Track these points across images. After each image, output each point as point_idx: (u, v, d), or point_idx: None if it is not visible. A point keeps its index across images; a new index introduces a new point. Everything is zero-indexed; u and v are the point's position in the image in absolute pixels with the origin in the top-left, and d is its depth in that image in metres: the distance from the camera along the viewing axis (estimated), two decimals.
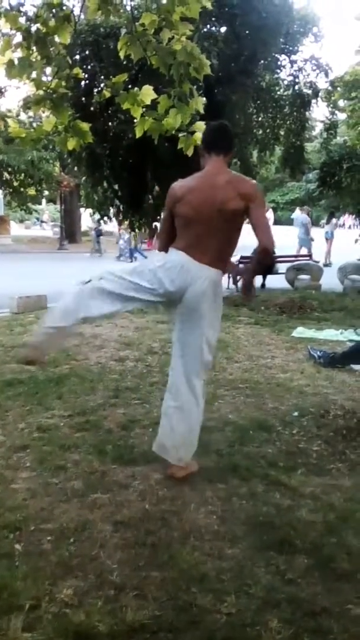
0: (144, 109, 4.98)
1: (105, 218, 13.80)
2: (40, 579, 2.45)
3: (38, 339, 3.55)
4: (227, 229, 3.33)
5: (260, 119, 13.96)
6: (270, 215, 40.72)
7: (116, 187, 12.72)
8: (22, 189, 29.02)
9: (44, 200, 40.20)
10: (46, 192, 31.65)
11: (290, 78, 13.39)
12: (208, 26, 10.73)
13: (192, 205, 3.31)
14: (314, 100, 13.64)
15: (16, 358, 3.51)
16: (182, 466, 3.48)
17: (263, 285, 14.60)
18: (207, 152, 3.49)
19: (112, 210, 13.60)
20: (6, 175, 27.91)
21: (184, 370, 3.44)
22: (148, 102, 4.94)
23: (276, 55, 12.47)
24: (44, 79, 5.05)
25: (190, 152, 4.99)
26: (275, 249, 3.29)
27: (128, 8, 5.51)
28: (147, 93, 4.90)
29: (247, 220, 3.34)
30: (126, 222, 14.21)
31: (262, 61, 11.91)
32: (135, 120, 5.10)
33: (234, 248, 3.50)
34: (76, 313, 3.32)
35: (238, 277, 3.87)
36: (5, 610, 2.24)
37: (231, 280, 14.13)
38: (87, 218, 29.90)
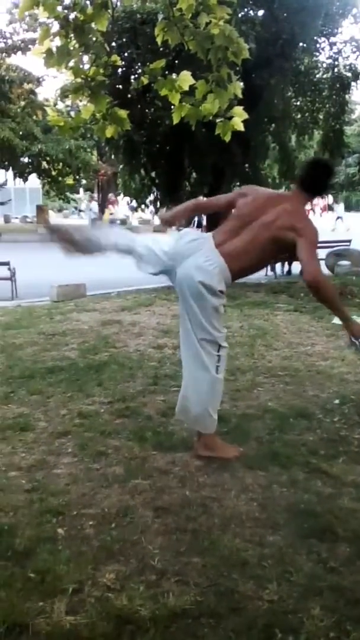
0: (181, 95, 4.95)
1: (143, 205, 13.83)
2: (83, 563, 2.48)
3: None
4: (262, 245, 3.37)
5: (298, 102, 13.79)
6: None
7: (153, 174, 12.73)
8: (60, 178, 29.29)
9: (81, 190, 40.47)
10: (84, 181, 31.82)
11: (330, 60, 13.19)
12: (246, 9, 10.61)
13: (247, 202, 3.41)
14: (353, 83, 13.41)
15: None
16: (204, 445, 3.54)
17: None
18: (310, 194, 3.57)
19: (149, 198, 13.62)
20: (44, 164, 28.20)
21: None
22: (186, 88, 4.90)
23: (315, 37, 12.28)
24: (81, 67, 5.06)
25: (227, 138, 4.94)
26: (318, 280, 3.33)
27: None
28: (185, 79, 4.87)
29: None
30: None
31: (300, 44, 11.74)
32: (172, 107, 5.06)
33: (258, 265, 3.57)
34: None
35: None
36: (49, 594, 2.28)
37: (269, 266, 14.08)
38: (124, 205, 30.03)
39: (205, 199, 3.62)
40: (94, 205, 24.77)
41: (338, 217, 33.01)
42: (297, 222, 3.34)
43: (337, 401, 4.56)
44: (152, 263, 3.48)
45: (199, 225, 25.60)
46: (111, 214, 22.20)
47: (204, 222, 22.85)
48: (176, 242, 3.43)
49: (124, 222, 25.71)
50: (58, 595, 2.26)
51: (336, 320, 7.64)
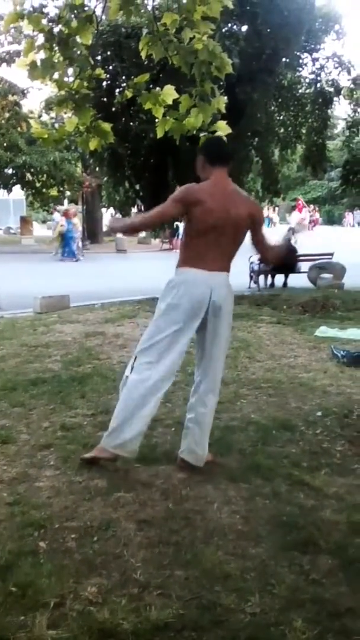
0: (165, 109, 4.98)
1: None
2: (65, 576, 2.47)
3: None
4: (235, 242, 3.51)
5: (281, 117, 13.91)
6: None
7: (137, 187, 12.76)
8: (44, 190, 29.26)
9: (65, 201, 40.49)
10: (68, 193, 31.81)
11: (312, 76, 13.34)
12: (229, 25, 10.71)
13: (212, 213, 3.38)
14: (336, 98, 13.56)
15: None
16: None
17: (285, 284, 14.55)
18: (211, 164, 3.58)
19: (133, 210, 13.66)
20: (28, 176, 28.18)
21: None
22: (170, 102, 4.93)
23: (298, 53, 12.42)
24: (66, 79, 5.07)
25: None
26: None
27: (149, 8, 5.50)
28: (169, 93, 4.90)
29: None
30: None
31: (283, 59, 11.86)
32: (156, 120, 5.09)
33: (232, 254, 3.59)
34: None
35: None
36: (30, 607, 2.26)
37: (252, 278, 14.14)
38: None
39: (154, 212, 3.56)
40: (57, 216, 24.53)
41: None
42: (250, 209, 3.52)
43: (319, 413, 4.58)
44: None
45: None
46: (62, 225, 20.75)
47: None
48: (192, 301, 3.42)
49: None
50: (39, 609, 2.25)
51: (318, 333, 7.70)
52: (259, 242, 3.62)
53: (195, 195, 3.42)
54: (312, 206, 34.57)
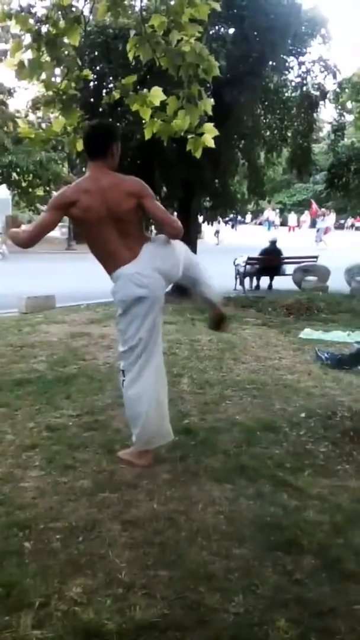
0: (152, 111, 4.99)
1: None
2: (50, 577, 2.47)
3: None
4: (130, 220, 3.47)
5: (267, 120, 13.93)
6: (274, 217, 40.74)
7: None
8: (30, 190, 29.10)
9: None
10: (54, 193, 31.71)
11: (298, 79, 13.36)
12: (217, 27, 10.73)
13: (90, 209, 3.39)
14: (321, 102, 13.59)
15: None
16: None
17: (270, 286, 14.60)
18: (88, 159, 3.60)
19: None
20: (15, 175, 28.01)
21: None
22: (157, 104, 4.94)
23: (284, 56, 12.44)
24: (53, 80, 5.07)
25: (198, 154, 4.99)
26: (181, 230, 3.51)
27: (137, 9, 5.51)
28: (156, 94, 4.91)
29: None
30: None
31: (270, 62, 11.88)
32: (143, 122, 5.10)
33: (139, 232, 3.60)
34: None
35: None
36: (15, 608, 2.26)
37: (238, 280, 14.18)
38: None
39: (37, 223, 3.53)
40: None
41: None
42: (126, 187, 3.46)
43: (303, 415, 4.61)
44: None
45: None
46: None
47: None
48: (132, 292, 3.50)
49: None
50: (24, 609, 2.25)
51: (303, 335, 7.75)
52: (153, 218, 3.63)
53: (66, 198, 3.44)
54: (323, 209, 34.10)
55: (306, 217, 41.35)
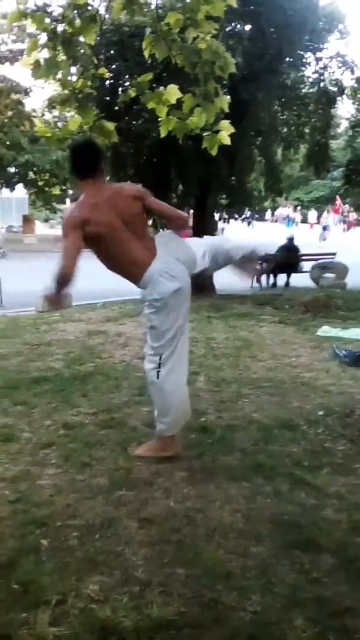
0: (168, 109, 4.98)
1: None
2: (67, 574, 2.48)
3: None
4: (137, 229, 3.53)
5: (284, 116, 13.89)
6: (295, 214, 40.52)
7: (140, 186, 12.74)
8: (46, 189, 29.26)
9: (68, 200, 40.52)
10: (70, 192, 31.81)
11: (316, 75, 13.31)
12: (233, 24, 10.69)
13: (100, 225, 3.40)
14: (339, 98, 13.54)
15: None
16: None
17: (287, 283, 14.55)
18: (80, 178, 3.56)
19: None
20: (31, 174, 28.19)
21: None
22: (173, 102, 4.93)
23: (301, 52, 12.40)
24: (69, 78, 5.08)
25: (214, 152, 4.98)
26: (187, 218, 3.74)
27: (153, 7, 5.51)
28: (172, 92, 4.90)
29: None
30: None
31: (287, 59, 11.84)
32: (159, 120, 5.10)
33: (147, 232, 3.69)
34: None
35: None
36: (32, 605, 2.27)
37: (255, 278, 14.13)
38: None
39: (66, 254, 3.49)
40: None
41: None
42: (127, 192, 3.56)
43: (321, 413, 4.59)
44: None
45: None
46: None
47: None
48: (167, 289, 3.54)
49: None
50: (41, 607, 2.26)
51: (320, 332, 7.70)
52: (158, 214, 3.78)
53: (80, 217, 3.42)
54: (347, 206, 33.93)
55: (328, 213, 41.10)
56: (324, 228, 31.81)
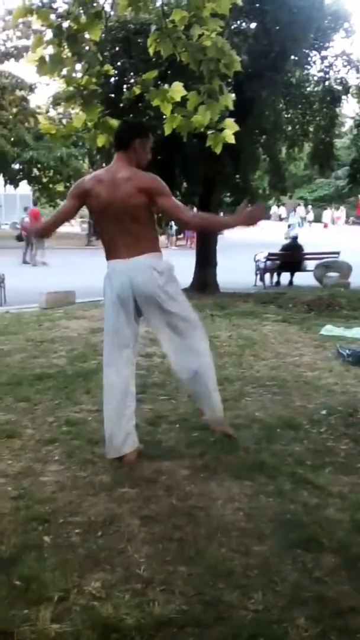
0: (173, 106, 4.98)
1: None
2: (69, 571, 2.48)
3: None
4: (136, 221, 3.46)
5: (289, 115, 13.88)
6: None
7: None
8: (51, 185, 29.29)
9: None
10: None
11: (321, 74, 13.30)
12: (238, 22, 10.70)
13: (98, 199, 3.44)
14: (344, 97, 13.54)
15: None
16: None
17: (291, 282, 14.53)
18: (114, 150, 3.65)
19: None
20: (35, 171, 28.22)
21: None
22: (178, 99, 4.92)
23: (306, 51, 12.38)
24: (74, 75, 5.08)
25: (219, 150, 4.97)
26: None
27: (158, 4, 5.50)
28: (177, 90, 4.89)
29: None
30: None
31: (292, 57, 11.82)
32: (164, 117, 5.09)
33: (153, 232, 3.64)
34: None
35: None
36: (34, 602, 2.27)
37: (258, 276, 14.13)
38: None
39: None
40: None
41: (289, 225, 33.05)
42: (139, 183, 3.44)
43: (324, 412, 4.58)
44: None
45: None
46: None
47: (188, 232, 22.77)
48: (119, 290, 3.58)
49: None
50: (43, 603, 2.26)
51: (324, 332, 7.69)
52: (165, 213, 3.71)
53: (83, 187, 3.52)
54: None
55: (340, 213, 40.90)
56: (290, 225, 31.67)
